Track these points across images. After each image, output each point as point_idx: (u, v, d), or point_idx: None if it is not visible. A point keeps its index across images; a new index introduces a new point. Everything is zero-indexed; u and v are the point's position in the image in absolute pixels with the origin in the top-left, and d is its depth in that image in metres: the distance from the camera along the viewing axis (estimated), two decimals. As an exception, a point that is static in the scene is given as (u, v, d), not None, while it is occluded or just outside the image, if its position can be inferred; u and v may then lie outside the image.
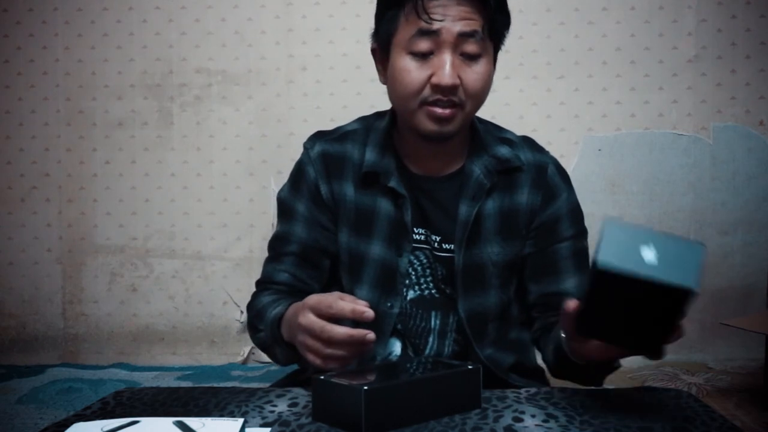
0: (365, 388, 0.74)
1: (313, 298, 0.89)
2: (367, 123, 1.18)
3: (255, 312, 1.12)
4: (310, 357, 0.89)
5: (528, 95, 2.64)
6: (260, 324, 1.08)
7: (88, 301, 2.83)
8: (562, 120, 2.65)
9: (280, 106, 2.75)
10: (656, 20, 2.62)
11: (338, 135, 1.17)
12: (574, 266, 1.13)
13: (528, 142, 1.17)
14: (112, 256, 2.82)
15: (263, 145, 2.76)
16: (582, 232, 1.16)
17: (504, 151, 1.12)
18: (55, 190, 2.82)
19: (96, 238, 2.82)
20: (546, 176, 1.13)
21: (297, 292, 1.13)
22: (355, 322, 0.86)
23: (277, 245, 1.17)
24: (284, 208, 1.18)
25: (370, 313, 0.85)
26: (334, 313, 0.86)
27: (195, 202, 2.79)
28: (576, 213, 1.15)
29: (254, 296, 1.16)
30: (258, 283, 1.19)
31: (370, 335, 0.85)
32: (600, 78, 2.64)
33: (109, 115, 2.80)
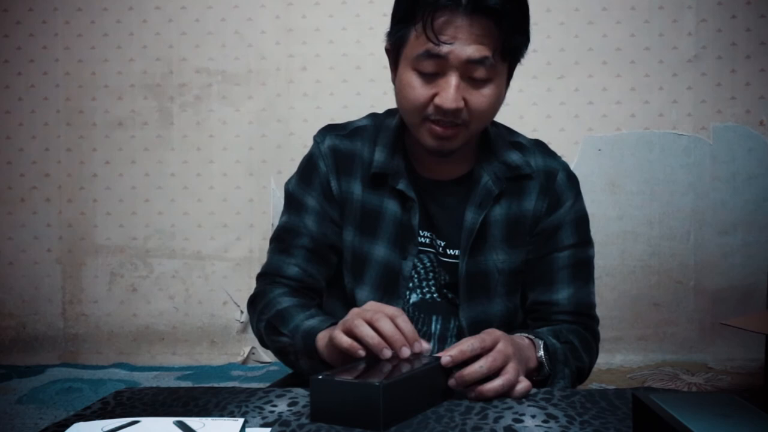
0: (383, 383, 0.75)
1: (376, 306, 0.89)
2: (377, 121, 1.16)
3: (274, 312, 1.06)
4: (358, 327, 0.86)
5: (528, 95, 2.64)
6: (283, 328, 1.03)
7: (88, 301, 2.83)
8: (562, 120, 2.65)
9: (280, 106, 2.75)
10: (656, 20, 2.62)
11: (349, 131, 1.15)
12: (570, 277, 1.11)
13: (540, 147, 1.15)
14: (112, 256, 2.82)
15: (263, 145, 2.76)
16: (585, 242, 1.14)
17: (515, 157, 1.11)
18: (55, 190, 2.83)
19: (96, 238, 2.82)
20: (555, 183, 1.11)
21: (305, 288, 1.11)
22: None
23: (286, 237, 1.13)
24: (294, 200, 1.14)
25: (387, 353, 0.84)
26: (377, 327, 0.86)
27: (195, 202, 2.79)
28: (580, 222, 1.13)
29: (263, 290, 1.12)
30: (262, 275, 1.15)
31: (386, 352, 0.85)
32: (600, 78, 2.64)
33: (109, 115, 2.80)
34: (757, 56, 2.59)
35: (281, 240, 1.14)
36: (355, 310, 0.89)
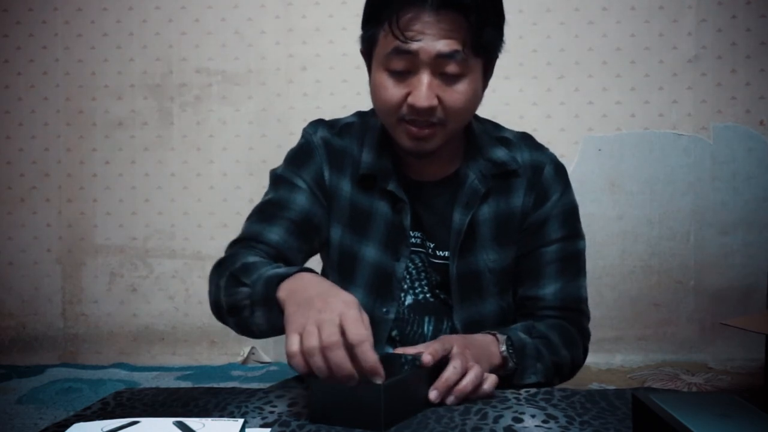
0: (384, 383, 0.74)
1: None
2: (364, 119, 1.15)
3: (240, 265, 0.95)
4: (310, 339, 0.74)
5: (528, 95, 2.64)
6: (246, 278, 0.92)
7: (88, 301, 2.83)
8: (562, 120, 2.65)
9: (280, 106, 2.75)
10: (656, 20, 2.62)
11: (338, 129, 1.14)
12: (558, 271, 1.09)
13: (527, 141, 1.13)
14: (112, 256, 2.82)
15: (263, 145, 2.76)
16: (574, 235, 1.11)
17: (500, 153, 1.09)
18: (55, 190, 2.82)
19: (96, 238, 2.82)
20: (541, 177, 1.10)
21: (283, 260, 1.03)
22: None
23: (270, 209, 1.07)
24: (283, 180, 1.09)
25: (354, 380, 0.74)
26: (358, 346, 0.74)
27: (195, 202, 2.79)
28: (569, 214, 1.11)
29: (234, 253, 1.01)
30: (236, 241, 1.05)
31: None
32: (600, 78, 2.64)
33: (109, 115, 2.80)
34: (757, 56, 2.59)
35: (264, 211, 1.07)
36: (315, 317, 0.77)
